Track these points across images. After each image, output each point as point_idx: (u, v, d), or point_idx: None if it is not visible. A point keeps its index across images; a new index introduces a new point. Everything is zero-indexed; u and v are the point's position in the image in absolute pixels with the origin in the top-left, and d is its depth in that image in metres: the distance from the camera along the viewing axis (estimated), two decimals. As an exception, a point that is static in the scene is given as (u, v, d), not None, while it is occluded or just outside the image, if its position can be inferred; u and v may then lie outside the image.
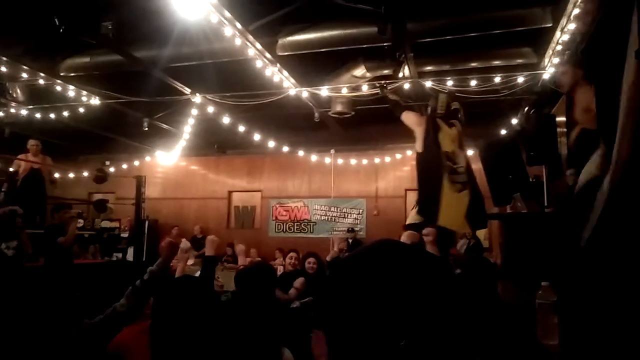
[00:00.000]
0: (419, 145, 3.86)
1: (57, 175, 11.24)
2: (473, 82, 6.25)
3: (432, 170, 3.87)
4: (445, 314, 0.60)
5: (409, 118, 3.89)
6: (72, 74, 6.80)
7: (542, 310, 1.75)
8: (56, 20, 5.03)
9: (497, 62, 6.02)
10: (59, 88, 7.05)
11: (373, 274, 0.61)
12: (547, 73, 5.81)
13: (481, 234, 9.68)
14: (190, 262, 6.28)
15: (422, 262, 0.64)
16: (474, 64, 6.12)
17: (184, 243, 3.35)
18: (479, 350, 0.64)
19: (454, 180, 3.92)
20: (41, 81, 6.81)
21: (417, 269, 0.62)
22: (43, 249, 5.76)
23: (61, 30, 5.09)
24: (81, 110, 8.03)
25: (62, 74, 6.76)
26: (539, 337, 1.76)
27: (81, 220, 9.97)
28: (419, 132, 3.84)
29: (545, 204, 4.90)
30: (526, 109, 3.62)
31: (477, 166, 4.07)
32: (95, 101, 7.64)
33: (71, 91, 7.18)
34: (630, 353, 1.73)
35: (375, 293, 0.60)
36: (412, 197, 4.24)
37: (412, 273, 0.62)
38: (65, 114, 8.30)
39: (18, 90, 7.60)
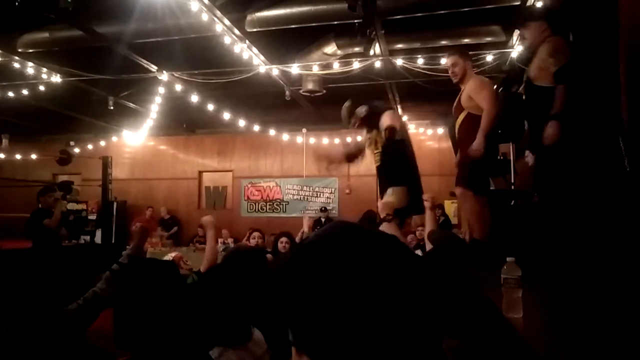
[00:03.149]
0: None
1: (18, 156, 10.89)
2: (443, 60, 6.26)
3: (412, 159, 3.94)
4: (415, 297, 0.59)
5: (390, 117, 3.86)
6: (31, 50, 6.48)
7: (507, 284, 1.79)
8: (11, -8, 4.76)
9: (466, 40, 6.04)
10: (17, 65, 6.73)
11: (335, 264, 0.59)
12: (515, 51, 5.87)
13: (450, 210, 9.89)
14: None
15: (386, 248, 0.62)
16: (444, 42, 6.13)
17: None
18: (448, 327, 0.63)
19: None
20: (-3, 58, 6.48)
21: (382, 256, 0.61)
22: (30, 232, 5.78)
23: (17, 3, 4.82)
24: (42, 88, 7.70)
25: (19, 50, 6.44)
26: (503, 310, 1.81)
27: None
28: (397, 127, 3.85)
29: (512, 181, 5.03)
30: (494, 87, 3.68)
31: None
32: (57, 79, 7.33)
33: (30, 68, 6.86)
34: (594, 324, 1.80)
35: (343, 283, 0.58)
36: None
37: (378, 260, 0.60)
38: (25, 92, 7.95)
39: (-27, 68, 7.21)
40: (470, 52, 6.13)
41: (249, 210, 11.41)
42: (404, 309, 0.57)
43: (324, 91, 7.47)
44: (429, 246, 3.34)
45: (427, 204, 3.45)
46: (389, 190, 3.82)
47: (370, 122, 3.96)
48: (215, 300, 1.81)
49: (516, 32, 5.62)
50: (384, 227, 3.11)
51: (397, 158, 3.87)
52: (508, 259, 1.81)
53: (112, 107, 8.65)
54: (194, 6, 4.98)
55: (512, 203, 4.35)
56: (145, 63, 6.76)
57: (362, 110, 3.93)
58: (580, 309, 2.02)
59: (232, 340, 1.78)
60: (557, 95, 2.79)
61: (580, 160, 2.73)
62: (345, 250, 0.59)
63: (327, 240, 0.63)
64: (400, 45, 6.31)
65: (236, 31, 5.69)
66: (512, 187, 4.93)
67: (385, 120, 3.78)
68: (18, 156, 10.99)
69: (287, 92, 7.80)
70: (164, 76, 7.24)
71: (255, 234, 4.66)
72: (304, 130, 10.57)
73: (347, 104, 4.05)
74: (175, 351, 1.36)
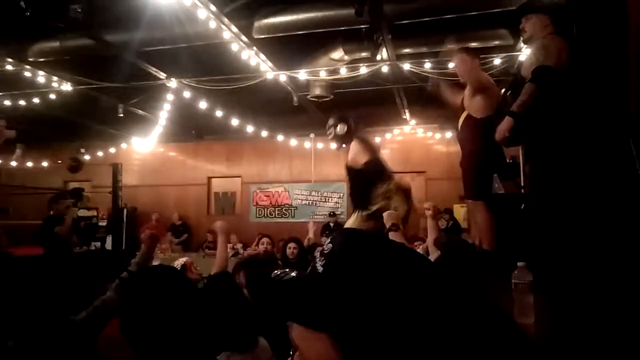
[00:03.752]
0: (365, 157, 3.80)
1: (29, 164, 11.02)
2: (451, 65, 6.24)
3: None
4: (431, 303, 0.61)
5: (358, 150, 3.85)
6: (42, 59, 6.57)
7: (518, 290, 1.77)
8: (22, 3, 4.83)
9: (474, 44, 6.01)
10: (28, 74, 6.82)
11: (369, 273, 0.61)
12: (523, 55, 5.84)
13: (459, 214, 9.82)
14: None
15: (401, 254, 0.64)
16: (451, 46, 6.11)
17: None
18: (464, 334, 0.64)
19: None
20: (9, 67, 6.56)
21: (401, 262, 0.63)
22: (42, 240, 5.84)
23: (27, 14, 4.90)
24: (53, 96, 7.80)
25: (30, 59, 6.53)
26: (515, 316, 1.79)
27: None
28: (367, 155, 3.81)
29: (522, 185, 4.98)
30: (502, 90, 3.65)
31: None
32: (67, 87, 7.42)
33: (41, 77, 6.96)
34: (606, 331, 1.77)
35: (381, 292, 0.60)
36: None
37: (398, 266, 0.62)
38: (36, 100, 8.05)
39: (-15, 77, 7.32)
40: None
41: (257, 215, 11.43)
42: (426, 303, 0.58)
43: (332, 96, 7.49)
44: (432, 253, 3.30)
45: (428, 213, 3.40)
46: (354, 213, 3.81)
47: (344, 140, 4.03)
48: (223, 305, 1.81)
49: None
50: (391, 237, 3.09)
51: (358, 185, 3.85)
52: (519, 263, 1.80)
53: (121, 115, 8.73)
54: (202, 14, 5.02)
55: (521, 207, 4.30)
56: (154, 70, 6.82)
57: (342, 128, 4.00)
58: (591, 314, 1.99)
59: (240, 345, 1.78)
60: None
61: (587, 163, 2.69)
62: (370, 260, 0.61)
63: (351, 252, 0.65)
64: (407, 50, 6.30)
65: (244, 38, 5.72)
66: (522, 190, 4.89)
67: (356, 154, 3.78)
68: (29, 163, 11.12)
69: (295, 98, 7.83)
70: (173, 83, 7.30)
71: (264, 239, 4.68)
72: (312, 135, 10.58)
73: (331, 119, 4.08)
74: (183, 356, 1.35)
